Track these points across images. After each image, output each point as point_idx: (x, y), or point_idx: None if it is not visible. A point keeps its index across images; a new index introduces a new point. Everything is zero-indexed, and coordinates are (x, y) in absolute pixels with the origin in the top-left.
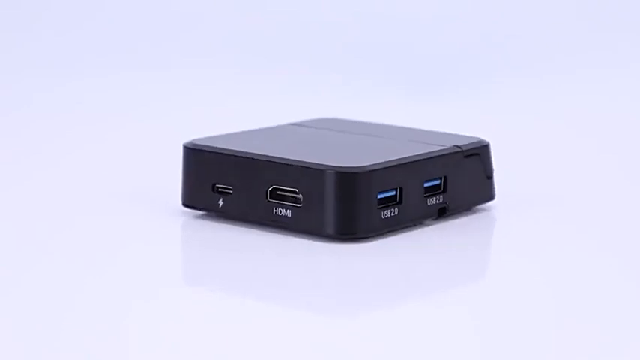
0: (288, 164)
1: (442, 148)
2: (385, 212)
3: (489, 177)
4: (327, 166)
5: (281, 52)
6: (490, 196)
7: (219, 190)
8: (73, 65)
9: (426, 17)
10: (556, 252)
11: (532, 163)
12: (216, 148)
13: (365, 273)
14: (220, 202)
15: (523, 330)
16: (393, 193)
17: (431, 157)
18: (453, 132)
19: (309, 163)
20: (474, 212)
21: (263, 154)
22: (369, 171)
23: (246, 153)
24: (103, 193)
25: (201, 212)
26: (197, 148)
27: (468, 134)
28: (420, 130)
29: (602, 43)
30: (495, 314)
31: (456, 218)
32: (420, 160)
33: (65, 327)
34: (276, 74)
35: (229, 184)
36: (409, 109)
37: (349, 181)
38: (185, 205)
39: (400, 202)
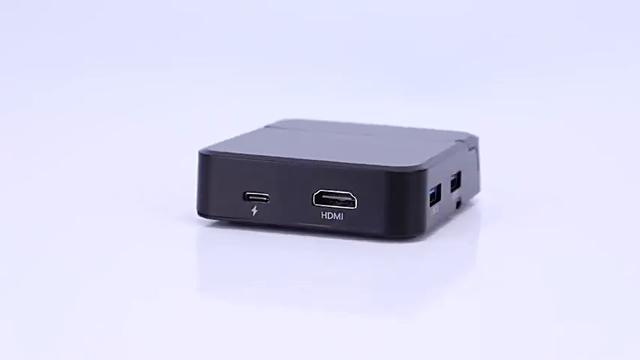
0: (338, 167)
1: (454, 144)
2: (431, 210)
3: (478, 169)
4: (384, 166)
5: (281, 52)
6: (478, 188)
7: (251, 197)
8: (73, 65)
9: (426, 17)
10: (556, 252)
11: (532, 163)
12: (244, 155)
13: (412, 271)
14: (254, 210)
15: (523, 330)
16: (434, 190)
17: (454, 153)
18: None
19: (362, 164)
20: (477, 210)
21: (305, 158)
22: (423, 169)
23: (285, 158)
24: (102, 194)
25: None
26: (219, 155)
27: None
28: (408, 128)
29: (602, 43)
30: (496, 314)
31: (467, 214)
32: (450, 156)
33: (65, 327)
34: (276, 74)
35: (265, 191)
36: (409, 109)
37: (408, 180)
38: (202, 214)
39: (439, 198)
